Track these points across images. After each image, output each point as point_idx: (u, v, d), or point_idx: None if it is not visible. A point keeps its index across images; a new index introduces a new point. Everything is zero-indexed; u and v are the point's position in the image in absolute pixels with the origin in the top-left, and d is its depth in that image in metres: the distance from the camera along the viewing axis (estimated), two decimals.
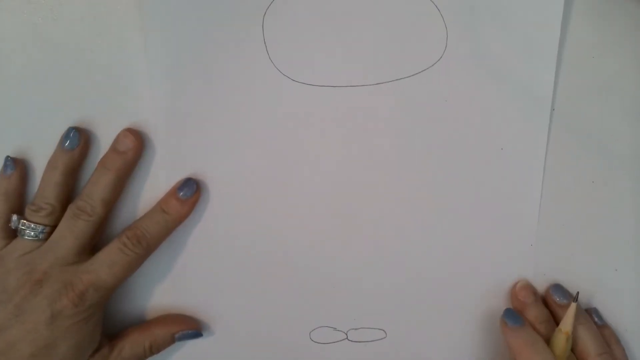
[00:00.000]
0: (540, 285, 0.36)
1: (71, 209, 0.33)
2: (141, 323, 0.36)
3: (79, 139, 0.33)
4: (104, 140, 0.34)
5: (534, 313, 0.35)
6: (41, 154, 0.34)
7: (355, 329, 0.37)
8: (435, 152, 0.35)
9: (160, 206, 0.34)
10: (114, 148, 0.34)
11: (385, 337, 0.37)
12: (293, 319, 0.37)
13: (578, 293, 0.35)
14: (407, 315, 0.37)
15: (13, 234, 0.33)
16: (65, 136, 0.33)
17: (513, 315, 0.34)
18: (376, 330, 0.37)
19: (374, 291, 0.36)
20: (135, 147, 0.34)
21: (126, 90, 0.34)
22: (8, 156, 0.34)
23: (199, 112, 0.34)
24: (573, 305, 0.34)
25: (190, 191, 0.34)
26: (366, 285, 0.36)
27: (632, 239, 0.36)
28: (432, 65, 0.34)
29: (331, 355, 0.37)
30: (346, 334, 0.37)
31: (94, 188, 0.33)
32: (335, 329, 0.37)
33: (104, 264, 0.32)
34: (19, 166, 0.34)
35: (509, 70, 0.34)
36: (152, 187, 0.35)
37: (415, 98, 0.34)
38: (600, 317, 0.36)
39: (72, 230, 0.32)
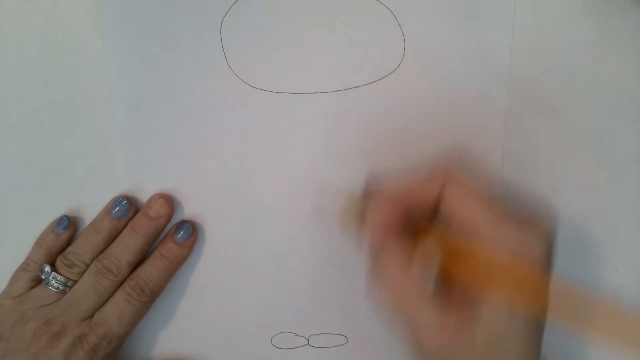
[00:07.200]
0: None
1: (96, 267, 0.33)
2: None
3: (130, 210, 0.34)
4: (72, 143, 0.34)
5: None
6: (40, 155, 0.34)
7: (317, 334, 0.37)
8: (394, 160, 0.35)
9: (159, 252, 0.34)
10: (145, 213, 0.34)
11: (346, 343, 0.37)
12: (254, 324, 0.37)
13: None
14: (368, 320, 0.37)
15: (38, 279, 0.34)
16: (116, 204, 0.34)
17: None
18: (337, 336, 0.37)
19: (336, 297, 0.36)
20: (168, 214, 0.34)
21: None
22: (65, 216, 0.34)
23: (159, 121, 0.34)
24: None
25: (187, 234, 0.34)
26: (327, 291, 0.36)
27: (632, 239, 0.36)
28: (391, 72, 0.34)
29: None
30: (307, 340, 0.37)
31: (122, 250, 0.33)
32: (296, 334, 0.37)
33: (114, 315, 0.33)
34: (73, 228, 0.34)
35: (466, 78, 0.34)
36: (111, 194, 0.35)
37: (374, 105, 0.34)
38: None
39: (96, 289, 0.33)
